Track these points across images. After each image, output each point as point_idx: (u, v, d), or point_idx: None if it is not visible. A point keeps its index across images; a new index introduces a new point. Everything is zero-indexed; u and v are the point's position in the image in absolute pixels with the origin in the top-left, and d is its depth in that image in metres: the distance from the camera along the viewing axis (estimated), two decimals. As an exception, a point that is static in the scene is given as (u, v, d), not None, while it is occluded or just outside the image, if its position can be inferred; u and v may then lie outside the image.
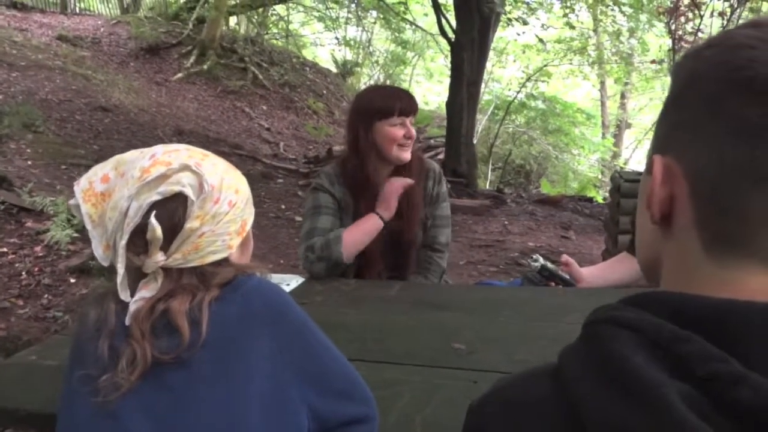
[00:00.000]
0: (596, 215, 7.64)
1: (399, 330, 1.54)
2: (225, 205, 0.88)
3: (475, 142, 9.88)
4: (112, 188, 0.85)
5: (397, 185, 2.02)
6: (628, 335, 0.44)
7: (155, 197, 0.81)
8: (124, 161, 0.87)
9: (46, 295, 3.68)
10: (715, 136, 0.45)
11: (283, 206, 6.91)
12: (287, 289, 1.92)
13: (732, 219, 0.45)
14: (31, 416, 1.09)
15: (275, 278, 2.04)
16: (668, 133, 0.51)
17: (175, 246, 0.84)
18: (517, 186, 13.40)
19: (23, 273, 3.84)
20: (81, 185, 0.86)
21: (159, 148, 0.88)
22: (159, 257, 0.83)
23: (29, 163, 5.79)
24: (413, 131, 2.06)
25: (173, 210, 0.83)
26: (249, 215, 0.96)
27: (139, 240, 0.82)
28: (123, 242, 0.82)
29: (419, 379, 1.23)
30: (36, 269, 3.91)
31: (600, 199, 9.71)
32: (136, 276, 0.85)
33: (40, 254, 4.06)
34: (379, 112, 2.03)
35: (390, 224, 2.07)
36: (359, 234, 2.01)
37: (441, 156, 9.41)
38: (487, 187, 11.70)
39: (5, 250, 4.02)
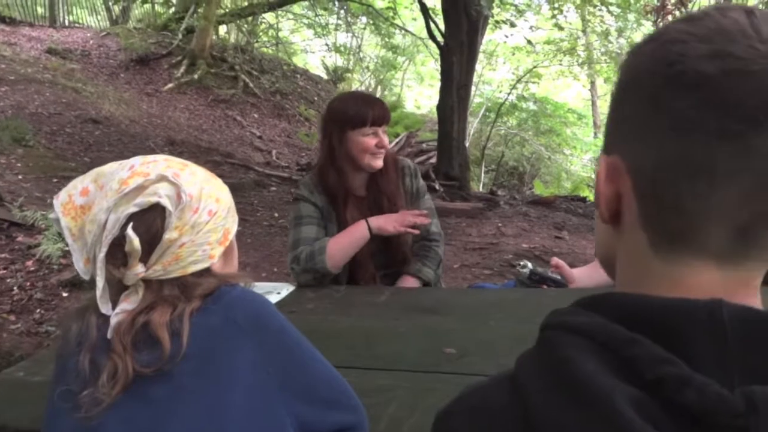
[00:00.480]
0: (589, 215, 7.65)
1: (389, 336, 1.53)
2: (205, 214, 0.87)
3: (467, 144, 9.89)
4: (92, 201, 0.84)
5: (408, 219, 2.01)
6: (579, 340, 0.44)
7: (132, 209, 0.81)
8: (103, 173, 0.87)
9: (38, 310, 3.66)
10: (654, 131, 0.45)
11: (276, 214, 6.89)
12: (278, 297, 1.91)
13: (674, 215, 0.45)
14: (17, 433, 1.08)
15: (266, 287, 2.05)
16: (613, 131, 0.51)
17: (155, 257, 0.83)
18: (511, 188, 13.41)
19: (15, 288, 3.81)
20: (60, 198, 0.86)
21: (137, 159, 0.88)
22: (139, 269, 0.83)
23: (20, 177, 5.77)
24: (386, 140, 2.09)
25: (151, 221, 0.83)
26: (232, 224, 0.95)
27: (118, 252, 0.82)
28: (102, 255, 0.81)
29: (409, 385, 1.23)
30: (28, 284, 3.89)
31: (593, 199, 9.72)
32: (118, 289, 0.85)
33: (32, 269, 4.04)
34: (351, 121, 2.05)
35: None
36: (345, 242, 2.02)
37: (433, 160, 9.41)
38: (481, 189, 11.70)
39: (-4, 265, 4.00)
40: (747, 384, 0.39)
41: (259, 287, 2.05)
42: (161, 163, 0.88)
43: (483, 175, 13.67)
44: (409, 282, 2.16)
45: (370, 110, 2.05)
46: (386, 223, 2.00)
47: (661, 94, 0.44)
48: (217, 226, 0.90)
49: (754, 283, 0.47)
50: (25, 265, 4.06)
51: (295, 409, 0.86)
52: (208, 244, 0.88)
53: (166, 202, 0.83)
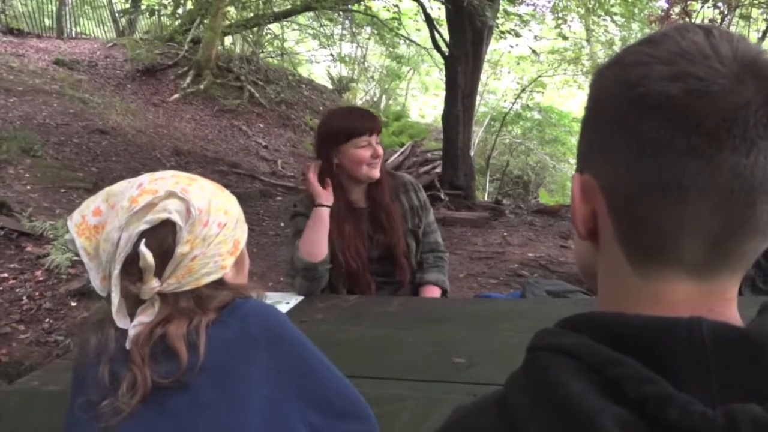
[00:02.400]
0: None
1: (399, 345, 1.54)
2: (215, 227, 0.89)
3: (472, 154, 9.91)
4: (104, 220, 0.87)
5: (310, 176, 2.08)
6: (566, 362, 0.45)
7: (143, 226, 0.83)
8: (113, 193, 0.89)
9: (47, 320, 3.68)
10: (623, 151, 0.46)
11: (282, 224, 6.90)
12: (286, 307, 1.93)
13: (648, 230, 0.46)
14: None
15: (275, 296, 2.06)
16: (584, 151, 0.52)
17: (169, 271, 0.85)
18: (516, 197, 13.41)
19: (24, 298, 3.84)
20: (74, 220, 0.88)
21: (146, 177, 0.91)
22: (154, 283, 0.85)
23: (28, 187, 5.80)
24: (380, 149, 2.11)
25: (162, 237, 0.85)
26: (241, 234, 0.97)
27: (133, 269, 0.84)
28: (116, 272, 0.83)
29: (419, 395, 1.24)
30: (37, 294, 3.91)
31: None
32: (134, 302, 0.87)
33: (41, 278, 4.06)
34: (343, 134, 2.07)
35: (378, 239, 2.14)
36: (309, 231, 2.06)
37: (438, 169, 9.42)
38: (486, 198, 11.70)
39: (6, 275, 4.02)
40: (728, 401, 0.39)
41: (269, 297, 2.06)
42: (169, 180, 0.90)
43: (488, 184, 13.68)
44: (434, 292, 2.21)
45: (359, 121, 2.09)
46: (315, 191, 2.06)
47: (627, 115, 0.46)
48: (227, 237, 0.92)
49: (729, 295, 0.48)
50: (34, 275, 4.09)
51: (310, 419, 0.87)
52: (219, 256, 0.90)
53: (176, 217, 0.85)
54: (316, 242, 2.04)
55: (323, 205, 2.04)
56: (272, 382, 0.84)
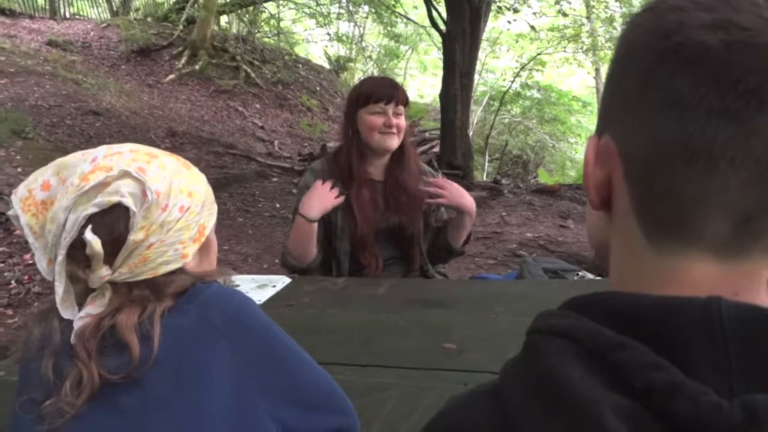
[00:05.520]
0: (595, 203, 7.57)
1: (387, 330, 1.47)
2: (175, 211, 0.79)
3: (470, 133, 9.82)
4: (53, 196, 0.76)
5: (318, 183, 2.03)
6: (565, 345, 0.40)
7: (92, 209, 0.74)
8: (65, 165, 0.79)
9: (36, 304, 3.62)
10: (647, 110, 0.41)
11: (278, 205, 6.84)
12: (273, 291, 1.85)
13: (669, 202, 0.41)
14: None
15: (261, 279, 1.99)
16: (604, 111, 0.47)
17: (121, 259, 0.76)
18: (515, 176, 13.33)
19: (12, 281, 3.78)
20: (19, 194, 0.78)
21: (102, 150, 0.80)
22: (103, 272, 0.76)
23: (19, 170, 5.71)
24: (395, 120, 2.04)
25: (113, 222, 0.75)
26: (208, 218, 0.87)
27: (80, 254, 0.75)
28: (60, 258, 0.74)
29: (407, 383, 1.17)
30: (25, 278, 3.85)
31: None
32: (84, 290, 0.78)
33: (30, 262, 3.99)
34: (359, 100, 2.06)
35: (391, 219, 2.10)
36: (295, 237, 2.03)
37: (436, 149, 9.35)
38: (485, 178, 11.63)
39: (-6, 259, 3.96)
40: (749, 392, 0.34)
41: (256, 280, 2.00)
42: (126, 155, 0.80)
43: (487, 164, 13.60)
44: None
45: (378, 88, 2.05)
46: (312, 204, 1.98)
47: (657, 69, 0.40)
48: (190, 222, 0.82)
49: (758, 278, 0.42)
50: (23, 259, 4.02)
51: (279, 413, 0.79)
52: (180, 243, 0.80)
53: (128, 201, 0.75)
54: (305, 246, 2.02)
55: (303, 216, 1.97)
56: (235, 374, 0.76)
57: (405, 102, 2.08)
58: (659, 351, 0.37)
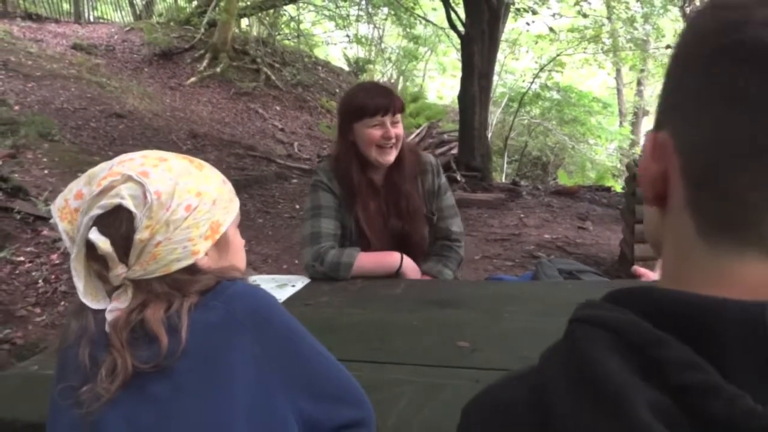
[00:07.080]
0: (614, 205, 7.54)
1: (403, 329, 1.51)
2: (181, 210, 0.84)
3: (489, 135, 9.81)
4: (84, 204, 0.84)
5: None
6: (603, 336, 0.40)
7: (96, 211, 0.80)
8: (94, 174, 0.86)
9: (62, 302, 3.72)
10: (708, 108, 0.40)
11: (297, 206, 6.90)
12: (293, 290, 1.90)
13: (728, 201, 0.40)
14: (28, 427, 1.08)
15: (281, 279, 2.04)
16: (663, 106, 0.47)
17: (133, 258, 0.82)
18: (534, 178, 13.29)
19: (40, 281, 3.88)
20: (57, 204, 0.85)
21: (119, 158, 0.87)
22: (120, 270, 0.82)
23: (46, 172, 5.85)
24: (393, 131, 1.99)
25: (117, 224, 0.81)
26: (223, 216, 0.92)
27: (98, 254, 0.81)
28: (73, 255, 0.81)
29: (420, 380, 1.21)
30: (53, 277, 3.95)
31: (619, 188, 9.57)
32: (111, 288, 0.85)
33: (57, 262, 4.10)
34: (355, 112, 2.00)
35: (394, 226, 2.07)
36: (371, 265, 2.00)
37: (455, 150, 9.35)
38: (504, 180, 11.61)
39: (22, 258, 4.06)
40: None
41: (276, 279, 2.05)
42: (137, 161, 0.86)
43: (506, 165, 13.56)
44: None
45: (373, 99, 1.98)
46: (412, 272, 2.03)
47: (718, 66, 0.40)
48: (199, 220, 0.87)
49: None
50: (50, 258, 4.13)
51: (299, 405, 0.84)
52: (189, 240, 0.85)
53: (128, 203, 0.80)
54: (367, 275, 1.99)
55: (401, 263, 2.01)
56: (258, 366, 0.81)
57: (401, 109, 2.03)
58: (698, 351, 0.37)
